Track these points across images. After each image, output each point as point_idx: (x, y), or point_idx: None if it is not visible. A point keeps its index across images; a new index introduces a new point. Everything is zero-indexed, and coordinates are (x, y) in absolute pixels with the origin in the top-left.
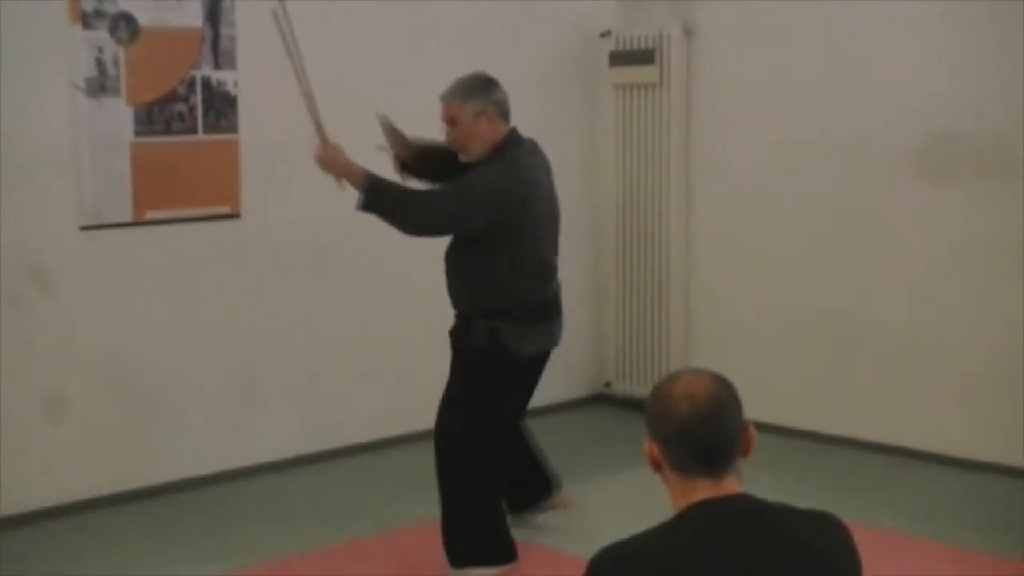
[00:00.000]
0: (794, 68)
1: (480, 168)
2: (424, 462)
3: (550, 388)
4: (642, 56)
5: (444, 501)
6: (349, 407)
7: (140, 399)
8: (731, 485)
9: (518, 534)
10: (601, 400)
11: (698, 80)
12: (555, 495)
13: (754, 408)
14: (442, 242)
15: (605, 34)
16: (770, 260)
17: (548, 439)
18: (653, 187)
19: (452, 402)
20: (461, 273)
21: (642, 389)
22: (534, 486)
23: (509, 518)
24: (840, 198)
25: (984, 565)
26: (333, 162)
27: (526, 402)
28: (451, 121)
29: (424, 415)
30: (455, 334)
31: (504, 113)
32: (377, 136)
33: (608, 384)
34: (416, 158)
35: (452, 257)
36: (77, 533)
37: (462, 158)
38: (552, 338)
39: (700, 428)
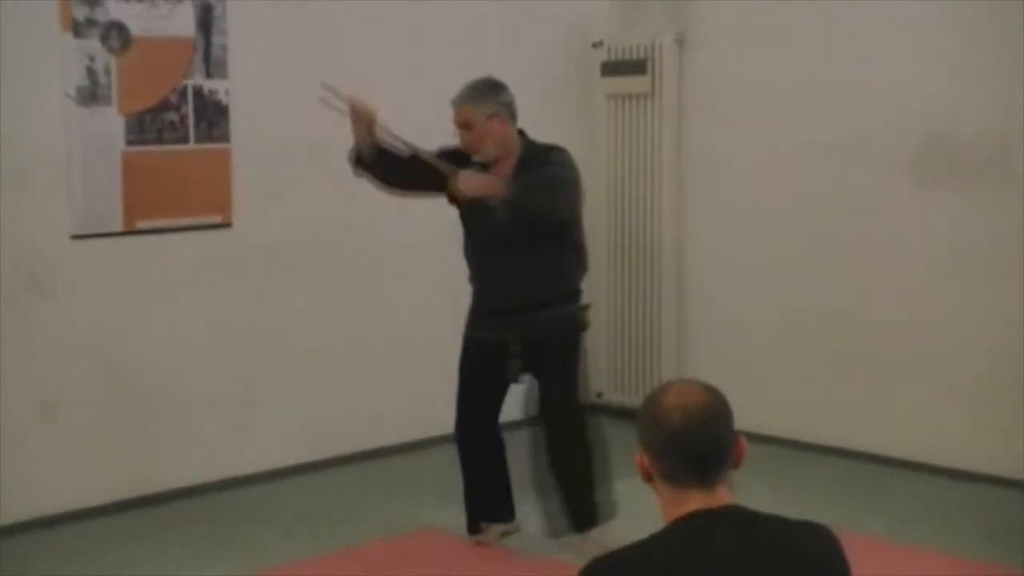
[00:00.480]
0: (787, 78)
1: (556, 156)
2: (422, 467)
3: None
4: (634, 66)
5: (578, 476)
6: (345, 413)
7: (134, 409)
8: (722, 496)
9: (506, 543)
10: (593, 410)
11: (690, 90)
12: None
13: (749, 416)
14: (440, 246)
15: (597, 44)
16: (762, 271)
17: (540, 450)
18: (645, 197)
19: (561, 386)
20: (541, 261)
21: (634, 399)
22: (496, 505)
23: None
24: (835, 204)
25: (984, 572)
26: (478, 186)
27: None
28: (465, 125)
29: (420, 420)
30: (517, 330)
31: (513, 114)
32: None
33: (600, 394)
34: (379, 154)
35: (527, 247)
36: (73, 539)
37: (476, 159)
38: None
39: (692, 437)
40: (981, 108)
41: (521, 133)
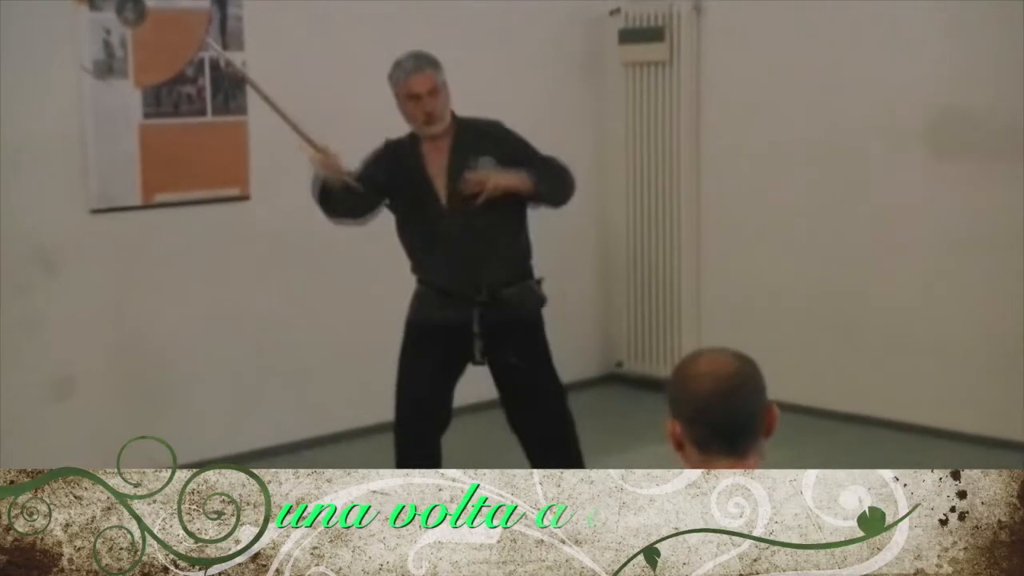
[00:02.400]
0: (806, 43)
1: (509, 131)
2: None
3: (561, 368)
4: (652, 34)
5: (572, 453)
6: (358, 390)
7: (149, 382)
8: (752, 464)
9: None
10: (613, 380)
11: (708, 57)
12: None
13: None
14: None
15: (615, 12)
16: (781, 239)
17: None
18: (663, 165)
19: (548, 367)
20: (507, 240)
21: (654, 368)
22: None
23: None
24: (854, 178)
25: None
26: (497, 182)
27: None
28: (432, 92)
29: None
30: (490, 311)
31: None
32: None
33: (620, 364)
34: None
35: (494, 226)
36: None
37: (430, 130)
38: None
39: (722, 406)
40: (996, 89)
41: None
